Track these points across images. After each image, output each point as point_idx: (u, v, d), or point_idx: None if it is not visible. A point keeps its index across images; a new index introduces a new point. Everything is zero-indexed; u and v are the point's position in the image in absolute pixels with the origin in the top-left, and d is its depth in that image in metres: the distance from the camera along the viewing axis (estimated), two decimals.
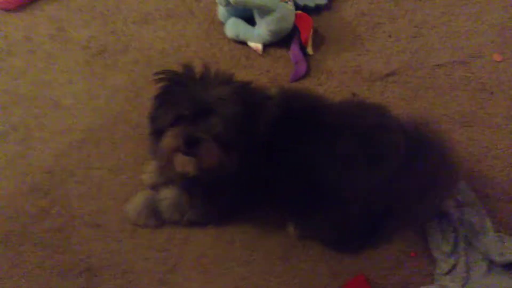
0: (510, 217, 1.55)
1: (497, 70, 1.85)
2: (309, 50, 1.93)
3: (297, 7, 1.96)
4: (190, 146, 1.21)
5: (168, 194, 1.54)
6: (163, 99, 1.28)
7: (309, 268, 1.52)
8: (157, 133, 1.27)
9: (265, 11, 1.83)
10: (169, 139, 1.22)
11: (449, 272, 1.44)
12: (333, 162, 1.32)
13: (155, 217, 1.56)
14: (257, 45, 1.94)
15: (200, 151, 1.21)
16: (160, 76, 1.28)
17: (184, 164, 1.25)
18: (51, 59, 1.95)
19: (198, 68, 1.29)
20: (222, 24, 1.98)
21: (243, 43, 1.96)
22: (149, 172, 1.65)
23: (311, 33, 1.92)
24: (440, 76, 1.85)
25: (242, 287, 1.50)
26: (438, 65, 1.88)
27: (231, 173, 1.28)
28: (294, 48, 1.92)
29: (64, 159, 1.72)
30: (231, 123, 1.21)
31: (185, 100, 1.21)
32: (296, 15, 1.91)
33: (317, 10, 2.01)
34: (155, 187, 1.63)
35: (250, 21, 1.93)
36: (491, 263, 1.44)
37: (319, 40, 1.97)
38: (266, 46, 1.95)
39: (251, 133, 1.26)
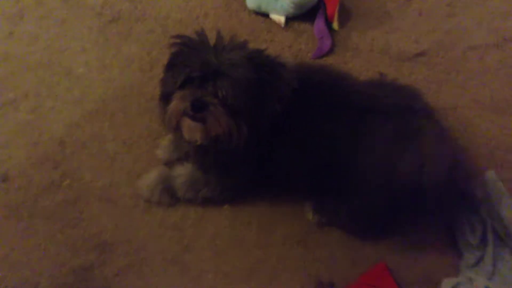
0: None
1: None
2: (335, 25, 1.89)
3: None
4: (197, 110, 1.20)
5: (182, 171, 1.53)
6: (174, 62, 1.27)
7: (328, 254, 1.51)
8: (166, 97, 1.26)
9: None
10: (176, 102, 1.22)
11: (475, 264, 1.42)
12: (355, 142, 1.30)
13: (169, 194, 1.54)
14: (279, 18, 1.90)
15: (207, 117, 1.20)
16: (174, 40, 1.27)
17: (191, 130, 1.25)
18: (64, 25, 1.92)
19: (212, 35, 1.28)
20: None
21: (265, 15, 1.92)
22: (163, 147, 1.64)
23: (337, 8, 1.88)
24: (472, 59, 1.81)
25: (258, 270, 1.49)
26: (471, 47, 1.84)
27: (241, 145, 1.27)
28: (319, 23, 1.88)
29: (76, 130, 1.71)
30: (241, 87, 1.19)
31: (195, 62, 1.20)
32: None
33: None
34: (169, 162, 1.62)
35: None
36: None
37: (345, 15, 1.93)
38: (289, 19, 1.91)
39: (264, 102, 1.24)
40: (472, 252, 1.44)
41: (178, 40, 1.27)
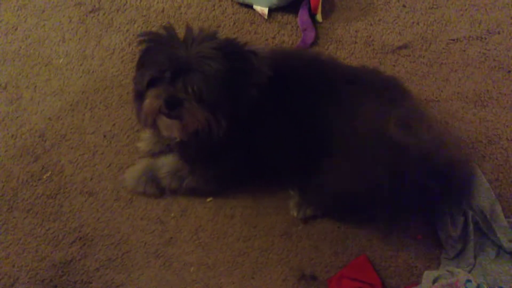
0: None
1: None
2: (319, 17, 1.90)
3: None
4: (171, 108, 1.20)
5: (166, 161, 1.53)
6: (143, 60, 1.27)
7: (310, 247, 1.53)
8: (139, 96, 1.26)
9: None
10: (149, 100, 1.22)
11: (456, 256, 1.46)
12: (338, 110, 1.32)
13: (154, 185, 1.55)
14: (263, 9, 1.90)
15: (183, 113, 1.21)
16: (141, 37, 1.27)
17: (168, 127, 1.26)
18: (43, 15, 1.91)
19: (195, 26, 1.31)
20: None
21: (248, 6, 1.92)
22: (145, 139, 1.64)
23: None
24: (455, 51, 1.84)
25: (241, 262, 1.51)
26: (454, 39, 1.86)
27: (222, 137, 1.27)
28: (303, 14, 1.89)
29: (56, 123, 1.71)
30: (213, 80, 1.19)
31: (164, 59, 1.20)
32: None
33: None
34: (152, 155, 1.62)
35: None
36: (500, 250, 1.45)
37: (329, 7, 1.94)
38: (272, 10, 1.92)
39: (238, 91, 1.25)
40: (453, 244, 1.47)
41: (145, 37, 1.27)
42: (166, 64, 1.19)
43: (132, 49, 1.85)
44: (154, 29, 1.87)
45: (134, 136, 1.67)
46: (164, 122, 1.25)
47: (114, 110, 1.73)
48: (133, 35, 1.87)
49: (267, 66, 1.28)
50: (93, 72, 1.81)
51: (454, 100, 1.75)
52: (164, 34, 1.26)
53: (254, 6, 1.91)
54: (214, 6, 1.94)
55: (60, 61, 1.82)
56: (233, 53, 1.24)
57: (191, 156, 1.45)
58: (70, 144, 1.67)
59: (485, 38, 1.86)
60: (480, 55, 1.83)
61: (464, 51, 1.84)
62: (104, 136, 1.68)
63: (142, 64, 1.27)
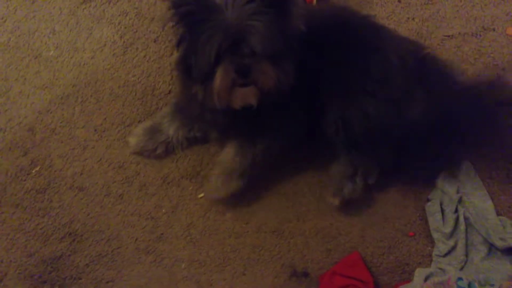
0: None
1: (509, 45, 1.84)
2: (314, 3, 1.89)
3: None
4: (245, 76, 1.20)
5: (228, 150, 1.53)
6: (193, 40, 1.22)
7: (302, 243, 1.54)
8: (203, 78, 1.23)
9: None
10: (220, 78, 1.21)
11: (447, 254, 1.47)
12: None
13: (241, 179, 1.52)
14: None
15: (256, 77, 1.21)
16: (176, 11, 1.21)
17: (245, 97, 1.26)
18: (33, 6, 1.90)
19: None
20: None
21: None
22: (137, 135, 1.63)
23: None
24: (450, 48, 1.84)
25: (232, 259, 1.52)
26: (449, 36, 1.87)
27: (289, 88, 1.28)
28: None
29: (46, 116, 1.70)
30: (268, 33, 1.20)
31: (217, 33, 1.18)
32: None
33: None
34: (142, 153, 1.62)
35: None
36: (491, 247, 1.47)
37: (324, 0, 1.93)
38: None
39: (290, 33, 1.25)
40: (444, 241, 1.48)
41: (181, 11, 1.21)
42: (222, 37, 1.18)
43: (124, 41, 1.84)
44: (146, 22, 1.86)
45: (125, 130, 1.68)
46: (240, 92, 1.25)
47: (105, 104, 1.73)
48: (125, 27, 1.86)
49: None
50: (84, 64, 1.80)
51: None
52: (202, 2, 1.22)
53: None
54: None
55: (50, 54, 1.81)
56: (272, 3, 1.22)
57: (257, 127, 1.44)
58: (60, 138, 1.67)
59: (480, 35, 1.86)
60: (475, 52, 1.83)
61: (459, 47, 1.84)
62: (95, 130, 1.68)
63: (193, 44, 1.22)
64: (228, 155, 1.52)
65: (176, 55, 1.30)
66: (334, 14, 1.52)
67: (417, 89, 1.45)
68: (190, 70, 1.26)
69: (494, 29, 1.88)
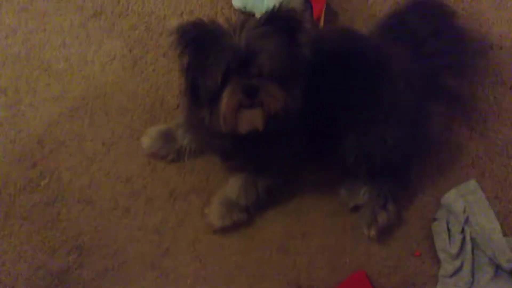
0: None
1: None
2: (321, 27, 1.91)
3: None
4: (252, 97, 1.20)
5: (232, 181, 1.56)
6: (199, 61, 1.23)
7: (307, 261, 1.55)
8: (210, 100, 1.24)
9: None
10: (227, 98, 1.20)
11: (453, 274, 1.48)
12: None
13: (236, 210, 1.55)
14: None
15: (263, 98, 1.21)
16: (182, 35, 1.21)
17: (252, 119, 1.25)
18: (44, 18, 1.92)
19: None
20: None
21: (251, 15, 1.94)
22: (151, 136, 1.65)
23: (324, 9, 1.90)
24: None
25: (237, 275, 1.53)
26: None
27: (296, 112, 1.28)
28: None
29: (55, 128, 1.72)
30: (277, 56, 1.20)
31: (226, 53, 1.18)
32: None
33: None
34: (153, 156, 1.65)
35: None
36: (498, 269, 1.47)
37: (331, 16, 1.94)
38: None
39: (296, 58, 1.26)
40: (450, 262, 1.49)
41: (188, 35, 1.21)
42: (230, 57, 1.18)
43: (133, 55, 1.86)
44: (155, 35, 1.89)
45: (133, 144, 1.69)
46: (247, 114, 1.24)
47: (113, 117, 1.74)
48: (134, 41, 1.88)
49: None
50: (93, 77, 1.82)
51: (455, 117, 1.76)
52: (208, 28, 1.23)
53: (257, 16, 1.92)
54: (216, 13, 1.95)
55: (60, 66, 1.83)
56: (278, 20, 1.24)
57: (260, 149, 1.43)
58: (68, 150, 1.69)
59: (488, 53, 1.87)
60: (483, 70, 1.84)
61: (466, 65, 1.84)
62: (103, 143, 1.70)
63: (200, 67, 1.23)
64: (232, 187, 1.55)
65: (183, 81, 1.31)
66: (340, 38, 1.53)
67: (431, 105, 1.49)
68: (197, 94, 1.26)
69: (502, 47, 1.88)
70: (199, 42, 1.21)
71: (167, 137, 1.64)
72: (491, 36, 1.90)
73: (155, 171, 1.67)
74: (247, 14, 1.91)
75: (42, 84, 1.80)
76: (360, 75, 1.42)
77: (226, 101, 1.21)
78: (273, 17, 1.24)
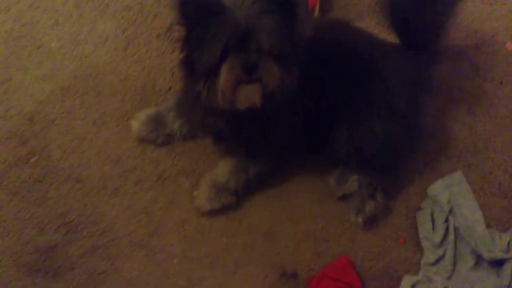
0: (503, 213, 1.62)
1: (508, 59, 1.88)
2: (316, 15, 1.92)
3: None
4: (251, 72, 1.21)
5: (222, 164, 1.58)
6: (198, 35, 1.23)
7: (293, 246, 1.58)
8: (207, 74, 1.24)
9: None
10: (226, 74, 1.21)
11: (435, 263, 1.51)
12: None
13: (225, 194, 1.57)
14: None
15: (262, 74, 1.22)
16: (183, 9, 1.22)
17: (250, 94, 1.26)
18: None
19: None
20: None
21: None
22: (140, 120, 1.66)
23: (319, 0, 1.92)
24: (448, 60, 1.87)
25: (224, 257, 1.56)
26: (447, 48, 1.90)
27: (292, 90, 1.29)
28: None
29: (46, 107, 1.73)
30: (276, 33, 1.21)
31: (226, 28, 1.19)
32: None
33: None
34: (144, 140, 1.66)
35: None
36: (479, 258, 1.51)
37: (327, 6, 1.96)
38: None
39: (294, 36, 1.27)
40: (433, 250, 1.52)
41: (189, 9, 1.22)
42: (230, 32, 1.19)
43: (126, 36, 1.87)
44: (150, 17, 1.89)
45: (124, 125, 1.71)
46: (245, 90, 1.24)
47: (105, 97, 1.76)
48: (128, 22, 1.89)
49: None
50: (85, 57, 1.83)
51: (446, 109, 1.79)
52: (208, 1, 1.23)
53: None
54: None
55: (53, 45, 1.84)
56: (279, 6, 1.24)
57: (253, 131, 1.45)
58: (59, 129, 1.70)
59: (479, 48, 1.90)
60: (473, 65, 1.87)
61: (457, 61, 1.88)
62: (94, 123, 1.71)
63: (199, 40, 1.23)
64: (222, 170, 1.56)
65: (180, 53, 1.31)
66: (335, 28, 1.57)
67: (422, 98, 1.52)
68: (194, 68, 1.27)
69: (493, 43, 1.91)
70: (198, 15, 1.22)
71: (157, 120, 1.65)
72: (483, 32, 1.93)
73: (145, 152, 1.68)
74: None
75: (34, 62, 1.81)
76: (352, 68, 1.45)
77: (224, 76, 1.21)
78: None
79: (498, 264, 1.50)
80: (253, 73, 1.22)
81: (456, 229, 1.55)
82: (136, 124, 1.66)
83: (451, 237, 1.53)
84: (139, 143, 1.69)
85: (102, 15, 1.91)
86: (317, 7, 1.91)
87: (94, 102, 1.75)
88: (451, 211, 1.57)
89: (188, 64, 1.30)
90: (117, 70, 1.80)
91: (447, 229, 1.54)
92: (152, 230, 1.57)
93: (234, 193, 1.58)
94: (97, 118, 1.72)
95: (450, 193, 1.59)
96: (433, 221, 1.56)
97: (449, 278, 1.49)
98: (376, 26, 1.91)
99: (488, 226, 1.57)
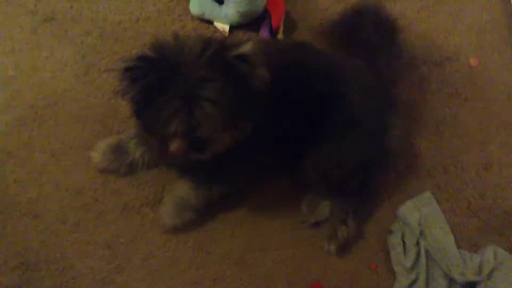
0: (474, 233, 1.62)
1: (473, 75, 1.89)
2: (280, 37, 1.91)
3: None
4: (199, 150, 1.22)
5: (182, 182, 1.53)
6: (148, 96, 1.18)
7: (265, 274, 1.55)
8: (156, 133, 1.23)
9: None
10: (175, 149, 1.20)
11: (408, 287, 1.49)
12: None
13: (188, 211, 1.54)
14: (223, 26, 1.91)
15: (211, 147, 1.22)
16: (130, 66, 1.18)
17: (199, 157, 1.25)
18: None
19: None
20: None
21: (209, 23, 1.92)
22: (100, 151, 1.61)
23: (283, 19, 1.91)
24: (414, 75, 1.88)
25: None
26: (413, 64, 1.91)
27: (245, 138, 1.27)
28: (264, 32, 1.90)
29: (2, 139, 1.66)
30: (224, 102, 1.16)
31: (173, 95, 1.14)
32: None
33: None
34: (105, 170, 1.61)
35: None
36: (451, 281, 1.50)
37: (291, 25, 1.95)
38: (233, 27, 1.92)
39: (247, 96, 1.23)
40: (405, 275, 1.51)
41: (136, 66, 1.18)
42: (179, 102, 1.14)
43: (85, 62, 1.82)
44: (109, 42, 1.85)
45: (84, 155, 1.65)
46: (193, 155, 1.24)
47: (64, 126, 1.70)
48: (87, 47, 1.84)
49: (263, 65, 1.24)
50: (43, 85, 1.77)
51: (411, 128, 1.79)
52: (156, 58, 1.19)
53: (215, 23, 1.91)
54: (173, 20, 1.93)
55: (10, 73, 1.77)
56: (224, 66, 1.19)
57: (214, 161, 1.37)
58: (15, 162, 1.63)
59: (444, 65, 1.91)
60: (438, 82, 1.88)
61: (424, 78, 1.88)
62: (52, 154, 1.65)
63: (148, 101, 1.19)
64: (183, 188, 1.52)
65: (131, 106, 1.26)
66: (296, 50, 1.55)
67: (388, 117, 1.51)
68: (145, 123, 1.26)
69: (457, 59, 1.93)
70: (145, 83, 1.17)
71: (118, 150, 1.60)
72: (447, 48, 1.94)
73: (107, 183, 1.62)
74: (206, 21, 1.90)
75: None
76: (314, 90, 1.42)
77: (173, 149, 1.21)
78: (220, 61, 1.19)
79: (470, 286, 1.48)
80: (202, 151, 1.22)
81: (427, 252, 1.54)
82: (97, 155, 1.60)
83: (422, 260, 1.52)
84: (101, 174, 1.63)
85: (61, 40, 1.85)
86: (281, 29, 1.89)
87: (53, 132, 1.69)
88: (421, 233, 1.56)
89: (140, 119, 1.27)
90: (76, 98, 1.75)
91: (418, 252, 1.53)
92: (116, 265, 1.52)
93: (196, 210, 1.54)
94: (56, 148, 1.66)
95: (420, 214, 1.58)
96: (404, 244, 1.55)
97: None
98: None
99: (459, 246, 1.57)
